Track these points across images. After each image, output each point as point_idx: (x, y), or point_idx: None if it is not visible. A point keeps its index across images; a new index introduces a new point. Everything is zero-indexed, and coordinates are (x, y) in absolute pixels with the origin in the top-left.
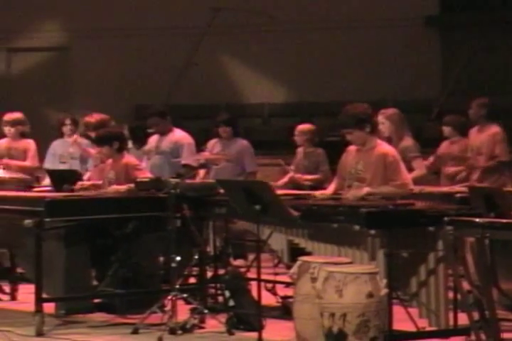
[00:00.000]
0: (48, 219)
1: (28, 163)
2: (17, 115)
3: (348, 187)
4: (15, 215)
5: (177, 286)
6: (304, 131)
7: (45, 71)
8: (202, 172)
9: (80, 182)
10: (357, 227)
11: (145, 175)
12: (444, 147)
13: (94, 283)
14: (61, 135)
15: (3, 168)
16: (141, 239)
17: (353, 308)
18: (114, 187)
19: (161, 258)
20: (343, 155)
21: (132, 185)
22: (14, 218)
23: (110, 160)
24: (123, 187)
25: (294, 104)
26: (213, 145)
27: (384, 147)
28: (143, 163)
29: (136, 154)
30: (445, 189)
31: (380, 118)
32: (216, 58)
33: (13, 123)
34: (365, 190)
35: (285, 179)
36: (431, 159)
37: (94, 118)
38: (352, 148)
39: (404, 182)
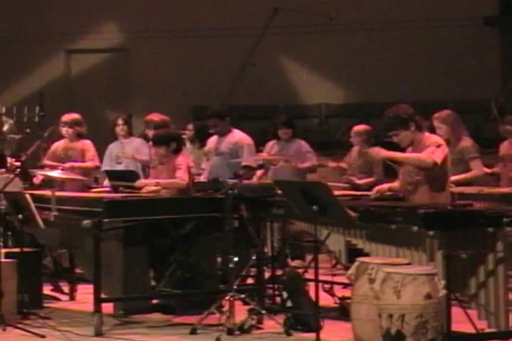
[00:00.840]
0: (106, 220)
1: (89, 164)
2: (74, 116)
3: (409, 185)
4: (74, 216)
5: (235, 287)
6: (359, 132)
7: (104, 72)
8: (259, 172)
9: (146, 188)
10: (415, 228)
11: (183, 175)
12: (504, 148)
13: (153, 283)
14: (114, 135)
15: (61, 169)
16: (199, 240)
17: (411, 309)
18: (142, 181)
19: (219, 259)
20: None
21: (165, 184)
22: (73, 219)
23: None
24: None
25: (351, 104)
26: (271, 146)
27: (428, 138)
28: (202, 164)
29: (197, 154)
30: (505, 190)
31: (436, 122)
32: (274, 59)
33: (71, 124)
34: (384, 153)
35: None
36: (497, 168)
37: (157, 117)
38: (409, 151)
39: (428, 154)
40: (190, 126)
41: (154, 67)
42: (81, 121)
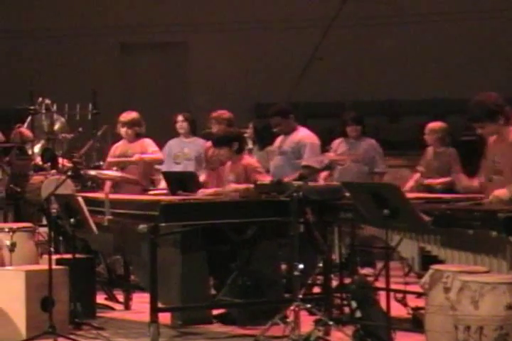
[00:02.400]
0: (163, 224)
1: (156, 156)
2: (133, 115)
3: (488, 181)
4: (129, 220)
5: (300, 296)
6: (434, 130)
7: (161, 67)
8: (324, 173)
9: (201, 190)
10: (494, 234)
11: (265, 178)
12: None
13: (213, 292)
14: (176, 133)
15: (116, 169)
16: (262, 246)
17: (490, 321)
18: (233, 185)
19: (283, 266)
20: (485, 149)
21: (251, 185)
22: (128, 223)
23: (229, 163)
24: (242, 186)
25: (426, 100)
26: (338, 144)
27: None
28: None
29: (259, 155)
30: None
31: None
32: (342, 52)
33: (130, 124)
34: (506, 192)
35: (411, 182)
36: None
37: (228, 113)
38: (491, 139)
39: None
40: (251, 125)
41: (214, 61)
42: (140, 120)
